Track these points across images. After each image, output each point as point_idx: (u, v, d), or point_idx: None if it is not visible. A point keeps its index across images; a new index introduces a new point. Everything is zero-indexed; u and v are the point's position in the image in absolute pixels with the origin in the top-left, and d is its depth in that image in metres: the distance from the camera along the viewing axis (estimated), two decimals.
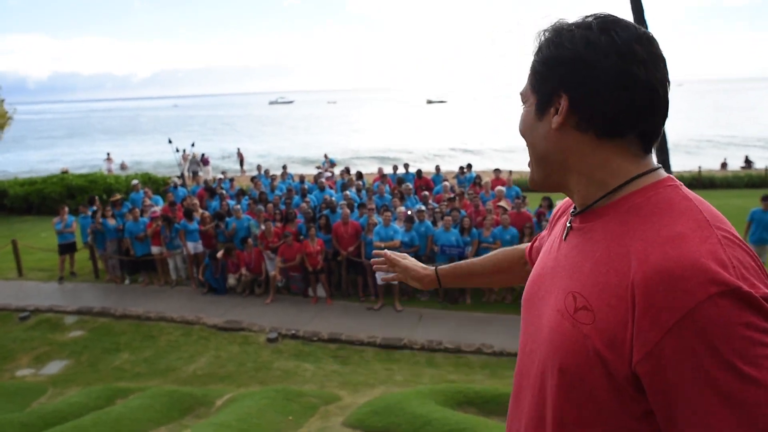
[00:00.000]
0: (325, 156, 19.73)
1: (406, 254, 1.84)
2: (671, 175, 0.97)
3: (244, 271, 10.01)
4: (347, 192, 11.38)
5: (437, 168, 14.19)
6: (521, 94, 1.07)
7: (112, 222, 11.03)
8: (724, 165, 24.80)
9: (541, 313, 1.04)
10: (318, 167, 17.80)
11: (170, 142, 21.92)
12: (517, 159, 30.98)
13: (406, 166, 14.32)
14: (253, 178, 13.67)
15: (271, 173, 14.50)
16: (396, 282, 7.09)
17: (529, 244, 1.52)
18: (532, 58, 1.02)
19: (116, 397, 6.49)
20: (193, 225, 10.47)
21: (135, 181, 14.74)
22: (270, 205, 10.74)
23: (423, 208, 9.91)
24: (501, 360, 7.50)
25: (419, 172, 13.81)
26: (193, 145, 22.09)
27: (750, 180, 19.47)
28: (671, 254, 0.81)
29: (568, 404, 0.93)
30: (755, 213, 8.78)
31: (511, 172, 13.72)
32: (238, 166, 28.86)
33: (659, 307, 0.79)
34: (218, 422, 5.39)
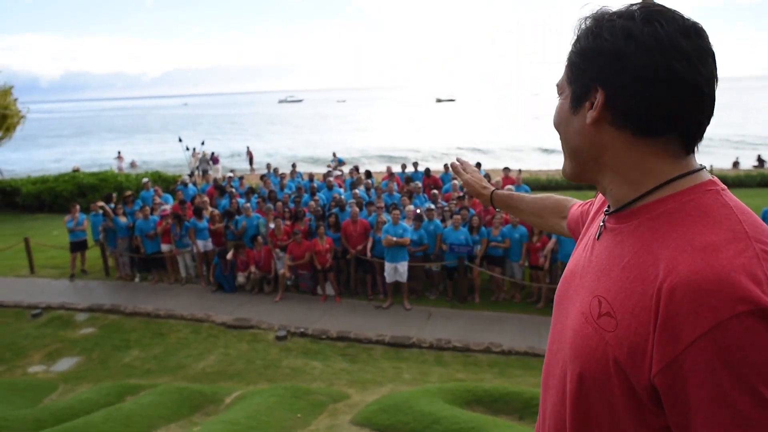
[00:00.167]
0: (334, 155, 19.75)
1: (472, 167, 1.84)
2: (715, 178, 0.92)
3: (253, 269, 10.05)
4: (356, 191, 11.39)
5: (446, 167, 14.16)
6: (557, 85, 1.03)
7: (123, 220, 11.11)
8: (735, 164, 24.56)
9: (568, 313, 1.01)
10: (328, 165, 17.83)
11: (180, 140, 22.05)
12: (525, 158, 30.91)
13: (415, 164, 14.32)
14: (262, 177, 13.70)
15: (281, 172, 14.55)
16: (404, 281, 7.10)
17: (579, 203, 1.44)
18: (570, 48, 0.97)
19: (126, 393, 6.54)
20: (203, 223, 10.52)
21: (145, 180, 14.83)
22: (279, 204, 10.77)
23: (432, 206, 9.90)
24: (509, 359, 7.49)
25: (428, 170, 13.80)
26: (203, 143, 22.21)
27: (763, 179, 19.28)
28: (700, 266, 0.76)
29: (585, 411, 0.91)
30: (767, 212, 8.70)
31: (520, 170, 13.66)
32: (246, 165, 28.96)
33: (682, 321, 0.75)
34: (227, 419, 5.42)
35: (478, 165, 13.78)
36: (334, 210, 10.38)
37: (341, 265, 9.97)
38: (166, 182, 18.65)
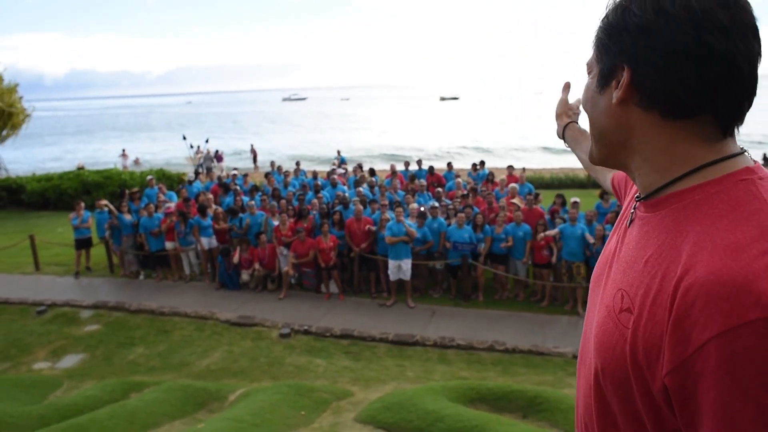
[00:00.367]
0: (338, 152, 19.75)
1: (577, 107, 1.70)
2: (754, 165, 0.84)
3: (257, 266, 10.07)
4: (360, 189, 11.40)
5: (449, 165, 14.16)
6: (587, 63, 0.98)
7: (128, 217, 11.14)
8: None
9: (597, 302, 0.97)
10: (333, 164, 17.84)
11: (184, 138, 22.08)
12: (528, 157, 30.83)
13: (419, 162, 14.31)
14: (266, 175, 13.73)
15: (284, 170, 14.57)
16: (408, 279, 7.07)
17: (620, 173, 1.34)
18: (598, 24, 0.92)
19: (131, 390, 6.56)
20: (207, 221, 10.55)
21: (150, 177, 14.87)
22: (283, 201, 10.79)
23: (436, 204, 9.90)
24: (513, 357, 7.48)
25: (431, 168, 13.80)
26: (207, 141, 22.25)
27: None
28: (718, 266, 0.71)
29: (607, 404, 0.89)
30: None
31: (524, 169, 13.64)
32: (249, 164, 28.99)
33: (693, 323, 0.71)
34: (231, 417, 5.43)
35: (482, 163, 13.80)
36: (338, 208, 10.39)
37: (345, 263, 9.98)
38: (170, 180, 18.70)
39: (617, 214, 8.79)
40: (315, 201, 10.82)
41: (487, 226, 9.31)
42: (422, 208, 9.78)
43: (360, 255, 9.65)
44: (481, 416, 5.15)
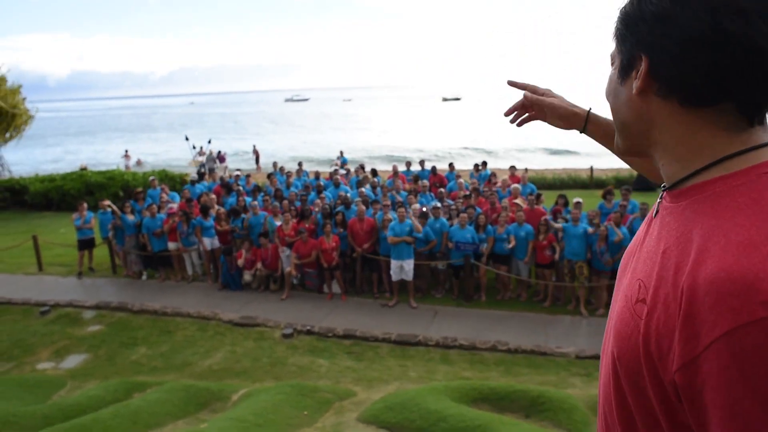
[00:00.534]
0: (341, 153, 19.77)
1: (551, 91, 1.58)
2: None
3: (259, 265, 10.08)
4: (362, 189, 11.40)
5: (451, 165, 14.16)
6: (610, 54, 0.97)
7: (131, 217, 11.16)
8: None
9: (619, 291, 0.96)
10: (335, 164, 17.85)
11: (187, 139, 22.12)
12: (530, 159, 30.82)
13: (421, 162, 14.32)
14: (269, 175, 13.76)
15: (286, 170, 14.59)
16: (410, 279, 7.01)
17: None
18: (618, 15, 0.91)
19: (134, 390, 6.57)
20: (209, 222, 10.56)
21: (152, 178, 14.90)
22: (286, 202, 10.80)
23: (438, 204, 9.90)
24: (516, 357, 7.48)
25: (434, 169, 13.80)
26: (209, 141, 22.30)
27: None
28: (729, 262, 0.70)
29: (623, 394, 0.88)
30: None
31: (526, 169, 13.63)
32: (251, 164, 29.02)
33: (702, 320, 0.70)
34: (234, 417, 5.44)
35: (485, 164, 13.79)
36: (339, 208, 10.40)
37: (347, 263, 9.98)
38: (173, 181, 18.74)
39: (621, 215, 8.80)
40: (318, 201, 10.83)
41: (489, 227, 9.31)
42: (424, 209, 9.79)
43: (362, 255, 9.65)
44: (483, 416, 5.15)
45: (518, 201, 10.07)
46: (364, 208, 9.69)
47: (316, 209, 10.46)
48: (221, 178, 14.83)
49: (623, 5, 0.90)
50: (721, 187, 0.80)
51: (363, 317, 8.94)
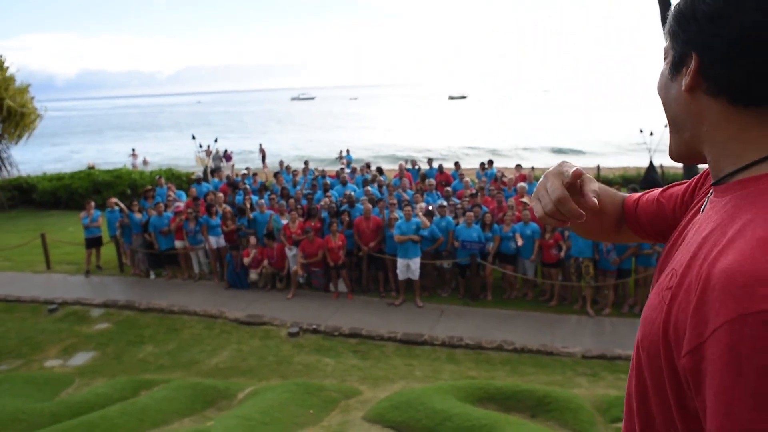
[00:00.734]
0: (347, 151, 19.80)
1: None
2: None
3: (265, 263, 10.10)
4: (368, 188, 11.40)
5: (457, 164, 14.14)
6: (664, 49, 0.97)
7: (138, 216, 11.22)
8: None
9: (656, 282, 0.97)
10: (342, 162, 17.87)
11: (194, 138, 22.19)
12: (535, 158, 30.70)
13: (429, 161, 14.31)
14: (275, 174, 13.79)
15: (293, 169, 14.62)
16: (416, 278, 6.99)
17: (639, 194, 1.29)
18: (672, 11, 0.92)
19: (141, 388, 6.61)
20: (216, 220, 10.59)
21: (159, 177, 14.97)
22: (292, 201, 10.82)
23: (444, 203, 9.89)
24: (522, 357, 7.46)
25: (440, 167, 13.79)
26: (216, 140, 22.36)
27: None
28: (746, 255, 0.71)
29: (644, 379, 0.89)
30: None
31: (533, 168, 13.60)
32: (256, 163, 29.06)
33: (710, 307, 0.72)
34: (240, 415, 5.46)
35: (491, 163, 13.77)
36: (344, 207, 10.41)
37: (353, 262, 9.99)
38: (179, 179, 18.81)
39: None
40: (325, 200, 10.84)
41: (495, 225, 9.29)
42: (430, 207, 9.78)
43: (368, 254, 9.66)
44: (489, 416, 5.15)
45: (525, 199, 10.04)
46: (370, 206, 9.70)
47: (323, 208, 10.47)
48: (227, 177, 14.87)
49: (677, 2, 0.91)
50: (765, 184, 0.81)
51: (369, 316, 8.94)
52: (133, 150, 28.64)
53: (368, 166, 14.82)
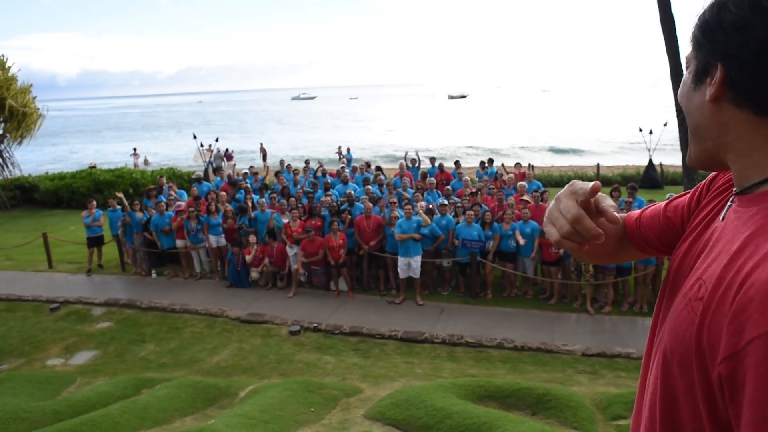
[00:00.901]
0: (348, 149, 19.78)
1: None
2: None
3: (266, 261, 10.13)
4: (369, 187, 11.42)
5: (457, 163, 14.16)
6: (686, 57, 0.96)
7: (139, 215, 11.25)
8: None
9: (677, 291, 0.97)
10: (342, 162, 17.86)
11: (195, 137, 22.21)
12: (534, 157, 30.70)
13: (432, 160, 14.33)
14: (276, 173, 13.82)
15: (293, 168, 14.63)
16: (418, 276, 6.99)
17: (638, 212, 1.26)
18: (696, 20, 0.91)
19: (142, 386, 6.63)
20: (217, 219, 10.62)
21: (161, 176, 15.00)
22: (292, 200, 10.84)
23: (445, 202, 9.91)
24: (522, 354, 7.48)
25: (441, 166, 13.81)
26: (217, 140, 22.38)
27: None
28: None
29: (673, 390, 0.89)
30: None
31: (533, 167, 13.61)
32: (257, 163, 29.05)
33: (748, 317, 0.72)
34: (242, 413, 5.47)
35: (491, 161, 13.79)
36: (344, 206, 10.43)
37: (354, 260, 10.01)
38: (181, 179, 18.84)
39: (627, 212, 8.77)
40: (326, 199, 10.86)
41: (495, 224, 9.31)
42: (430, 206, 9.80)
43: (369, 252, 9.68)
44: (489, 413, 5.16)
45: (526, 197, 10.06)
46: (371, 205, 9.72)
47: (323, 206, 10.49)
48: (228, 176, 14.89)
49: (702, 11, 0.89)
50: None
51: (370, 314, 8.97)
52: (135, 149, 28.65)
53: (368, 165, 14.83)
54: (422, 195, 10.71)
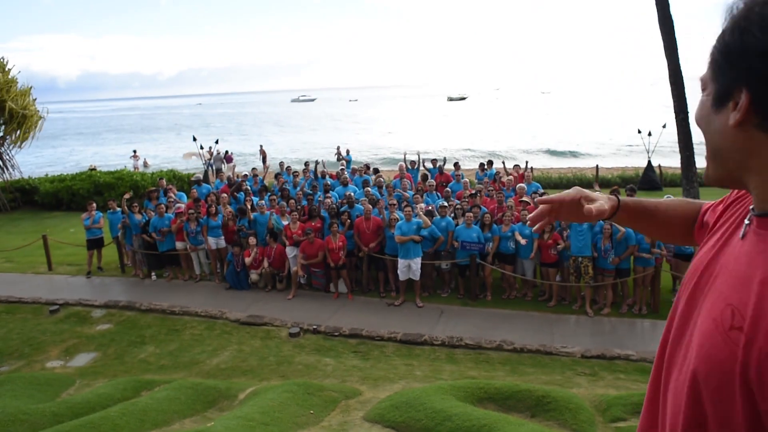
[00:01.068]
0: (347, 151, 19.78)
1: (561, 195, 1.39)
2: None
3: (266, 263, 10.13)
4: (368, 189, 11.43)
5: (456, 165, 14.16)
6: (701, 79, 0.94)
7: (138, 217, 11.25)
8: None
9: (697, 308, 0.96)
10: (342, 164, 17.87)
11: (195, 139, 22.23)
12: (532, 159, 30.70)
13: (433, 161, 14.35)
14: (276, 175, 13.85)
15: (293, 170, 14.64)
16: (418, 278, 7.00)
17: (709, 204, 1.27)
18: (714, 42, 0.89)
19: (142, 389, 6.63)
20: (216, 221, 10.63)
21: (160, 178, 15.01)
22: (292, 201, 10.85)
23: (445, 203, 9.91)
24: (521, 356, 7.48)
25: (441, 168, 13.82)
26: (217, 142, 22.41)
27: None
28: None
29: (700, 410, 0.89)
30: None
31: (532, 168, 13.63)
32: (257, 165, 29.05)
33: None
34: (241, 415, 5.48)
35: (490, 163, 13.80)
36: (344, 208, 10.44)
37: (354, 262, 10.01)
38: (181, 181, 18.84)
39: None
40: (327, 200, 10.87)
41: (494, 226, 9.31)
42: (429, 207, 9.80)
43: (368, 254, 9.68)
44: (489, 415, 5.16)
45: (525, 199, 10.07)
46: (370, 207, 9.73)
47: (323, 208, 10.51)
48: (228, 178, 14.90)
49: (722, 34, 0.88)
50: None
51: (369, 316, 8.97)
52: (135, 152, 28.64)
53: (368, 167, 14.84)
54: (422, 197, 10.72)
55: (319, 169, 14.42)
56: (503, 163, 13.87)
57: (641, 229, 1.48)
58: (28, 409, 5.85)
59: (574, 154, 34.22)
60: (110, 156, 40.11)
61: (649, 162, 18.35)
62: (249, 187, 12.63)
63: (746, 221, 0.94)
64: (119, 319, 9.46)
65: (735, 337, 0.82)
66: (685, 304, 1.01)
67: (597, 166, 21.58)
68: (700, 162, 13.79)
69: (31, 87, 22.35)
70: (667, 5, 12.00)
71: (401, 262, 9.11)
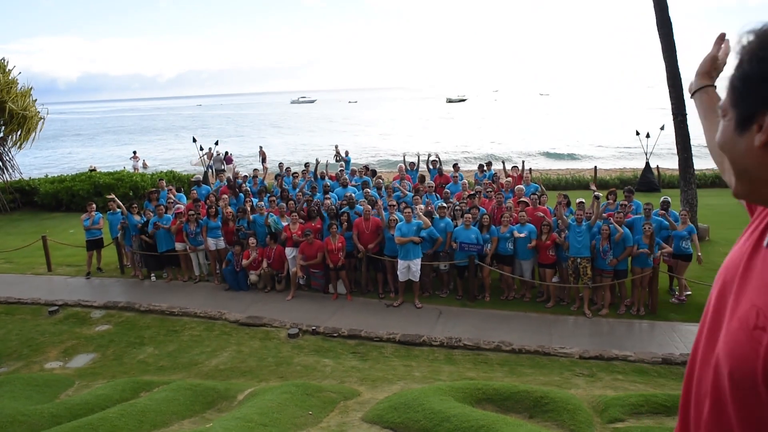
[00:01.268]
0: (347, 152, 19.79)
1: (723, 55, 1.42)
2: None
3: (264, 264, 10.14)
4: (368, 189, 11.45)
5: (455, 166, 14.17)
6: (720, 107, 1.00)
7: (137, 218, 11.26)
8: None
9: (726, 309, 1.01)
10: (341, 165, 17.89)
11: (194, 140, 22.25)
12: (531, 162, 30.71)
13: (433, 162, 14.35)
14: (276, 176, 13.87)
15: (293, 171, 14.66)
16: (417, 279, 7.02)
17: None
18: (732, 71, 0.95)
19: (141, 389, 6.63)
20: (216, 222, 10.64)
21: (160, 179, 15.02)
22: (291, 203, 10.86)
23: (444, 204, 9.93)
24: (520, 357, 7.49)
25: (440, 169, 13.83)
26: (216, 143, 22.43)
27: None
28: None
29: (724, 405, 0.93)
30: None
31: (531, 169, 13.64)
32: (256, 166, 29.07)
33: None
34: (240, 416, 5.48)
35: (489, 164, 13.81)
36: (344, 209, 10.45)
37: (353, 263, 10.02)
38: (181, 182, 18.86)
39: (624, 214, 8.80)
40: (327, 201, 10.88)
41: (493, 227, 9.33)
42: (429, 207, 9.82)
43: (367, 255, 9.69)
44: (487, 416, 5.17)
45: (525, 200, 10.08)
46: (369, 207, 9.74)
47: (323, 209, 10.52)
48: (228, 179, 14.91)
49: (740, 63, 0.93)
50: None
51: (368, 317, 8.98)
52: (134, 153, 28.65)
53: (367, 168, 14.85)
54: (420, 198, 10.73)
55: (320, 169, 14.43)
56: (503, 163, 13.88)
57: (707, 125, 1.42)
58: (26, 410, 5.86)
59: (572, 156, 34.26)
60: (110, 157, 40.07)
61: (647, 164, 18.38)
62: (249, 189, 12.65)
63: None
64: (118, 320, 9.46)
65: (758, 336, 0.87)
66: (715, 303, 1.06)
67: (595, 167, 21.63)
68: (698, 164, 13.81)
69: (31, 88, 22.36)
70: (666, 7, 12.01)
71: (401, 263, 9.12)
